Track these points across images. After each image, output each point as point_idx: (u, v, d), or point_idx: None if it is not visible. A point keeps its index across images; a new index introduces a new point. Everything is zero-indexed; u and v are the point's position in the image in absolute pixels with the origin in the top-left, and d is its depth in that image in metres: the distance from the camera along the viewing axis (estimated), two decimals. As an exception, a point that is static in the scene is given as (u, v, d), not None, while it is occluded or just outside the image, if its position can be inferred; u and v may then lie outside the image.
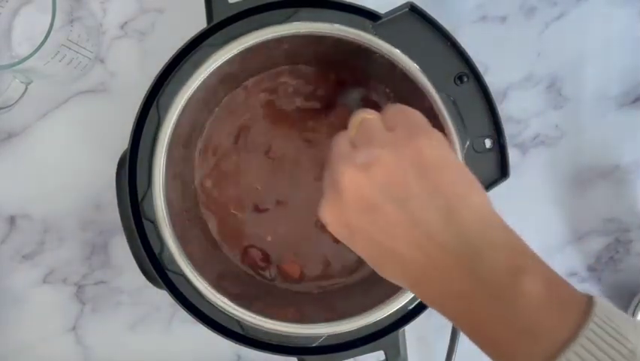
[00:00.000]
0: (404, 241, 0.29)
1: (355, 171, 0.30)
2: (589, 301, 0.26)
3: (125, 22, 0.54)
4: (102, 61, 0.54)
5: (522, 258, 0.28)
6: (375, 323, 0.43)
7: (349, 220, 0.30)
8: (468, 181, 0.30)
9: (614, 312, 0.26)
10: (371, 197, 0.30)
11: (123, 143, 0.44)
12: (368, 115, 0.34)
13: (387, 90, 0.50)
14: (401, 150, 0.30)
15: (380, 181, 0.29)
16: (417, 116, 0.33)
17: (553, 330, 0.25)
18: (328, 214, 0.32)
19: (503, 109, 0.54)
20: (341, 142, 0.33)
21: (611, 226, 0.54)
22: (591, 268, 0.54)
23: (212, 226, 0.51)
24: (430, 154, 0.30)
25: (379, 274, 0.32)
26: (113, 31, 0.54)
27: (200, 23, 0.44)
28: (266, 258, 0.50)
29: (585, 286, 0.54)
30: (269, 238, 0.50)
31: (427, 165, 0.30)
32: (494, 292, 0.27)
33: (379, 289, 0.44)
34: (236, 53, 0.43)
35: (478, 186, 0.30)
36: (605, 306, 0.26)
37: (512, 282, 0.27)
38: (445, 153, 0.31)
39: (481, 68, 0.44)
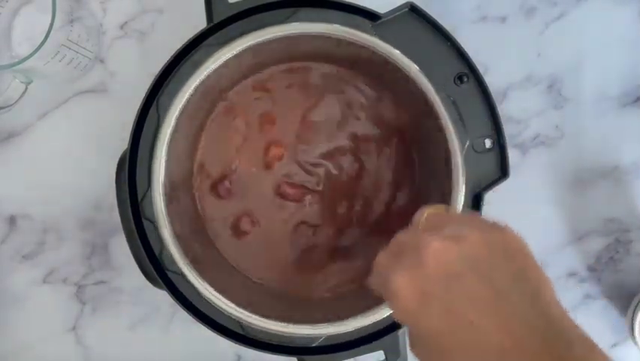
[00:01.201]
0: (487, 314, 0.27)
1: (443, 240, 0.29)
2: None
3: (125, 22, 0.54)
4: (102, 61, 0.54)
5: (598, 354, 0.27)
6: (375, 323, 0.43)
7: (427, 287, 0.29)
8: (545, 274, 0.30)
9: None
10: (457, 266, 0.29)
11: (123, 143, 0.44)
12: (438, 206, 0.35)
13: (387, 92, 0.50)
14: (489, 233, 0.30)
15: (467, 254, 0.29)
16: (489, 220, 0.33)
17: None
18: (403, 279, 0.29)
19: (503, 109, 0.54)
20: (411, 231, 0.33)
21: (611, 226, 0.54)
22: (591, 268, 0.54)
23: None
24: (518, 243, 0.30)
25: (433, 356, 0.29)
26: (113, 31, 0.54)
27: (200, 23, 0.44)
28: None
29: (585, 286, 0.54)
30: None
31: (514, 251, 0.30)
32: None
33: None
34: (236, 53, 0.43)
35: (550, 280, 0.30)
36: None
37: None
38: (528, 246, 0.31)
39: (481, 68, 0.44)
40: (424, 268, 0.29)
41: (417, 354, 0.31)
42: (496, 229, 0.31)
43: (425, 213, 0.34)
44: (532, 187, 0.54)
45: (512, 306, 0.27)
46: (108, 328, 0.54)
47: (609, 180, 0.54)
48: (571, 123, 0.54)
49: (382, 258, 0.33)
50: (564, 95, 0.54)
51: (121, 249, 0.53)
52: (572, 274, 0.55)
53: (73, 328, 0.54)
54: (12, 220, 0.54)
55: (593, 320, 0.54)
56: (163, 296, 0.52)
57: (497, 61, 0.54)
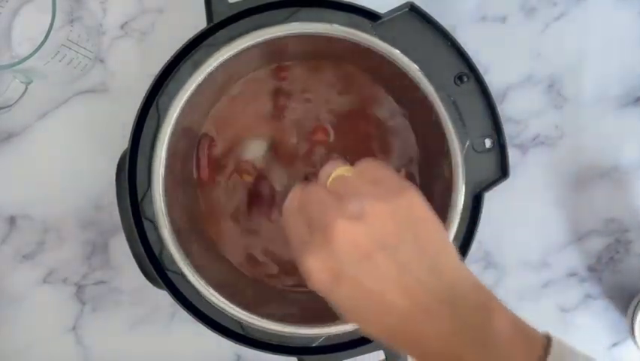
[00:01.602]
0: (394, 286, 0.30)
1: (349, 221, 0.31)
2: (547, 338, 0.30)
3: (125, 22, 0.54)
4: (102, 61, 0.54)
5: (490, 300, 0.31)
6: None
7: (338, 268, 0.31)
8: (445, 234, 0.33)
9: (568, 349, 0.30)
10: (365, 245, 0.31)
11: (123, 143, 0.44)
12: (343, 168, 0.35)
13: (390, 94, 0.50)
14: (393, 201, 0.32)
15: (374, 230, 0.31)
16: (394, 172, 0.35)
17: None
18: (314, 260, 0.31)
19: (503, 109, 0.54)
20: (319, 191, 0.34)
21: (612, 226, 0.54)
22: (591, 269, 0.54)
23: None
24: (420, 208, 0.32)
25: (358, 324, 0.32)
26: (113, 31, 0.54)
27: (200, 23, 0.44)
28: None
29: (585, 286, 0.54)
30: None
31: (417, 217, 0.32)
32: (471, 329, 0.30)
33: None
34: (235, 52, 0.43)
35: (449, 239, 0.34)
36: (560, 343, 0.30)
37: (486, 319, 0.30)
38: (429, 208, 0.33)
39: (481, 68, 0.44)
40: (334, 249, 0.31)
41: (344, 320, 0.34)
42: (400, 194, 0.32)
43: (331, 176, 0.35)
44: (532, 187, 0.54)
45: (413, 275, 0.31)
46: (108, 328, 0.54)
47: (609, 180, 0.54)
48: (571, 123, 0.54)
49: (295, 226, 0.34)
50: (564, 95, 0.54)
51: (121, 249, 0.53)
52: (572, 274, 0.55)
53: (74, 328, 0.54)
54: (12, 220, 0.54)
55: (593, 319, 0.54)
56: (163, 296, 0.52)
57: (497, 61, 0.54)
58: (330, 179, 0.35)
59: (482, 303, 0.31)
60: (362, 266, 0.31)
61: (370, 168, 0.35)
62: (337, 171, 0.35)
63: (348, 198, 0.32)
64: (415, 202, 0.32)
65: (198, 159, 0.50)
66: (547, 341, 0.30)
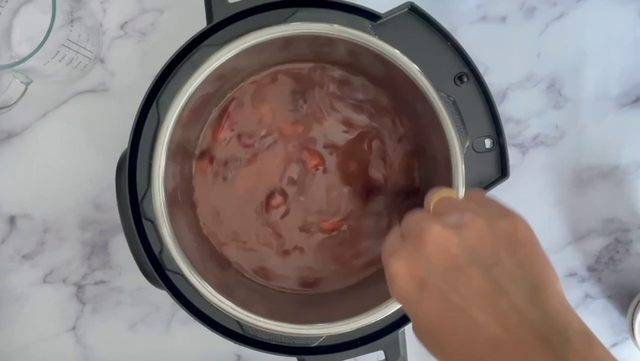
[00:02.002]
0: (484, 306, 0.27)
1: (445, 228, 0.29)
2: None
3: (125, 22, 0.54)
4: (102, 61, 0.54)
5: (597, 348, 0.27)
6: (375, 323, 0.43)
7: (425, 276, 0.29)
8: (551, 265, 0.29)
9: None
10: (457, 256, 0.28)
11: (123, 143, 0.44)
12: (448, 190, 0.34)
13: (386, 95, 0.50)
14: (495, 221, 0.29)
15: (469, 243, 0.29)
16: (500, 201, 0.32)
17: None
18: (402, 264, 0.29)
19: (503, 109, 0.54)
20: (421, 211, 0.32)
21: (611, 226, 0.54)
22: (591, 268, 0.54)
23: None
24: (524, 232, 0.30)
25: (433, 347, 0.29)
26: (113, 31, 0.54)
27: (200, 23, 0.44)
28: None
29: (585, 286, 0.54)
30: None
31: (519, 240, 0.29)
32: None
33: (380, 289, 0.44)
34: (236, 52, 0.43)
35: (556, 272, 0.30)
36: None
37: None
38: (536, 236, 0.30)
39: (481, 68, 0.44)
40: (424, 255, 0.29)
41: (418, 337, 0.30)
42: (505, 216, 0.30)
43: (436, 198, 0.34)
44: (532, 187, 0.54)
45: (509, 299, 0.27)
46: (108, 328, 0.54)
47: (609, 179, 0.54)
48: (571, 123, 0.54)
49: (390, 239, 0.33)
50: (564, 95, 0.54)
51: (121, 249, 0.53)
52: (572, 274, 0.55)
53: (73, 328, 0.54)
54: (12, 220, 0.54)
55: (593, 319, 0.54)
56: (163, 296, 0.52)
57: (497, 61, 0.54)
58: (434, 201, 0.33)
59: (589, 353, 0.26)
60: (451, 277, 0.28)
61: (477, 193, 0.33)
62: (442, 193, 0.34)
63: (448, 213, 0.30)
64: (520, 225, 0.30)
65: (221, 119, 0.49)
66: None
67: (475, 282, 0.28)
